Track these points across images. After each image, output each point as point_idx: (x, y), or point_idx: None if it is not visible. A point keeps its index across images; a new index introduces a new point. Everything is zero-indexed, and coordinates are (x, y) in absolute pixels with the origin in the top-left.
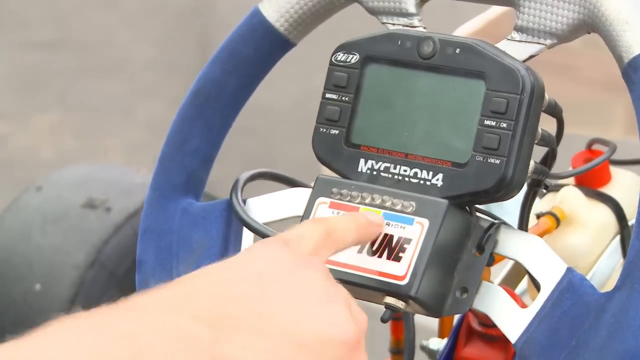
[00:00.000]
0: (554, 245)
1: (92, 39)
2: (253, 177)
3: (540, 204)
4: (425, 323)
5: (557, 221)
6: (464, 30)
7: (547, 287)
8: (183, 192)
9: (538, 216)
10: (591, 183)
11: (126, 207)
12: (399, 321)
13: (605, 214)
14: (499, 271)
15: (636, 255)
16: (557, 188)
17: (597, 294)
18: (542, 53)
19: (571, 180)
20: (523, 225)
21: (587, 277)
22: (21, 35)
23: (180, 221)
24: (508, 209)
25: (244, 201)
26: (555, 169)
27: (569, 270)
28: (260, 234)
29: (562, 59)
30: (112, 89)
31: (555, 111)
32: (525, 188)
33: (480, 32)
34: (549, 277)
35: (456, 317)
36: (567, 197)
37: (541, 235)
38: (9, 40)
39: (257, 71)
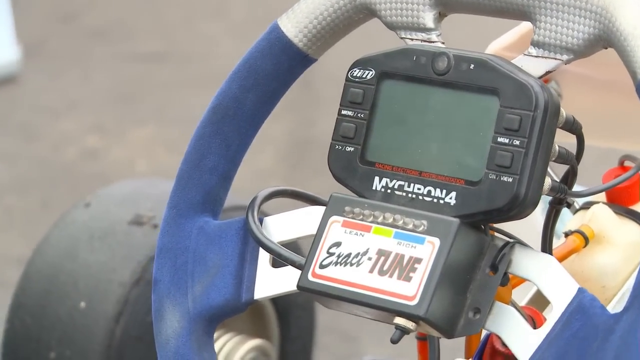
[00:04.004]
0: (582, 265)
1: (196, 50)
2: (271, 195)
3: (570, 222)
4: (453, 343)
5: (586, 240)
6: (499, 44)
7: (558, 308)
8: (200, 210)
9: (567, 234)
10: (622, 200)
11: None
12: (425, 341)
13: (635, 232)
14: (529, 289)
15: None
16: (588, 206)
17: (606, 315)
18: None
19: (603, 197)
20: (546, 244)
21: (617, 297)
22: (125, 47)
23: (196, 240)
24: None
25: (261, 220)
26: None
27: (580, 290)
28: (275, 254)
29: None
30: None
31: (573, 128)
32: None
33: (514, 45)
34: (560, 297)
35: (482, 337)
36: (597, 215)
37: (568, 254)
38: (113, 51)
39: (277, 87)
